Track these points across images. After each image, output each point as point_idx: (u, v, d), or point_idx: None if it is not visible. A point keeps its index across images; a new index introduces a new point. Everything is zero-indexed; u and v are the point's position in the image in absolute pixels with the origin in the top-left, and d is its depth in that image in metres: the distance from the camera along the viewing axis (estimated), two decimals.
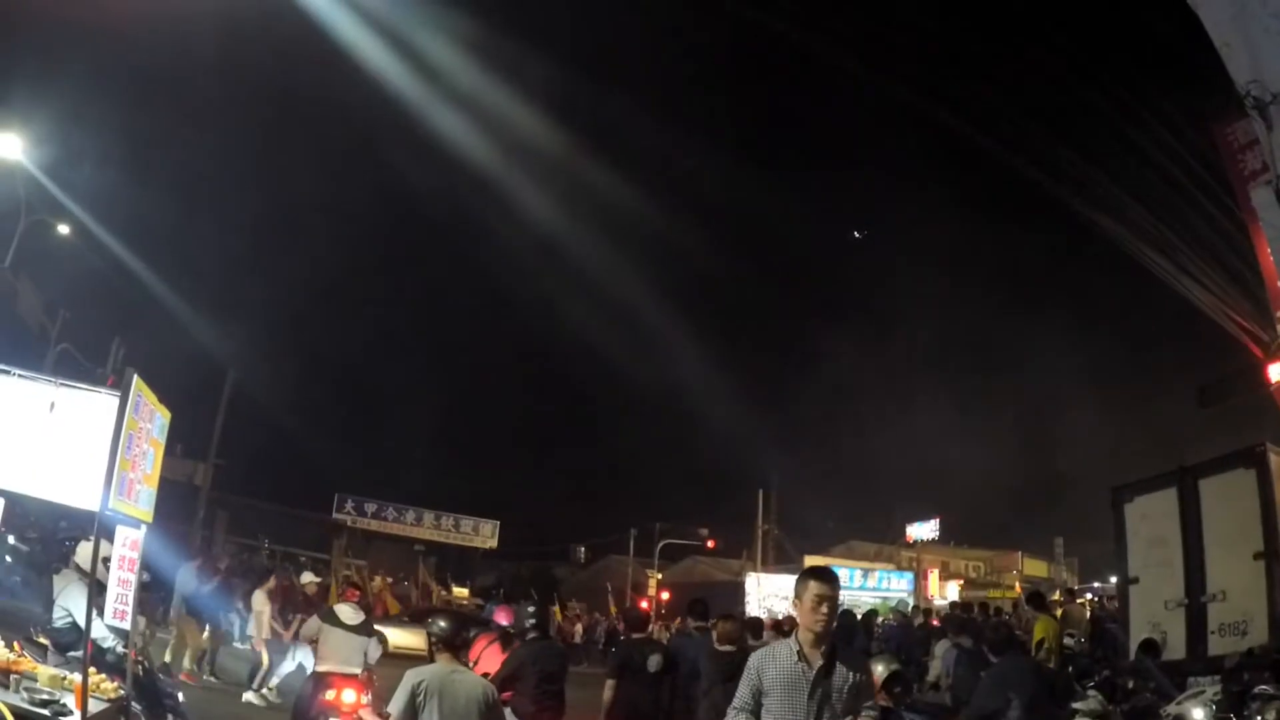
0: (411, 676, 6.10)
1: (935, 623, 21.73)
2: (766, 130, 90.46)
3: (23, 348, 26.13)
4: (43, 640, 7.91)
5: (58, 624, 7.94)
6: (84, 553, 7.95)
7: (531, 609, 9.08)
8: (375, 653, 10.76)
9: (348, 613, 10.67)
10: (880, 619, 25.78)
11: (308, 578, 18.06)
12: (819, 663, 4.90)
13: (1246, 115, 11.63)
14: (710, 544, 50.79)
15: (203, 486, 39.14)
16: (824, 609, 4.96)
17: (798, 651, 4.96)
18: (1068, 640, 12.90)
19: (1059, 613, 18.65)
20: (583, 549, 56.92)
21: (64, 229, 30.21)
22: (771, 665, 4.98)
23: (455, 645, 6.49)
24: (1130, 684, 10.49)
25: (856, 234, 57.53)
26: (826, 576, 5.15)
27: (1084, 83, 21.78)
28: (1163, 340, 38.21)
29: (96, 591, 6.87)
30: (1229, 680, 8.94)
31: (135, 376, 6.78)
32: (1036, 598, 16.86)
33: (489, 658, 9.58)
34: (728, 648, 9.46)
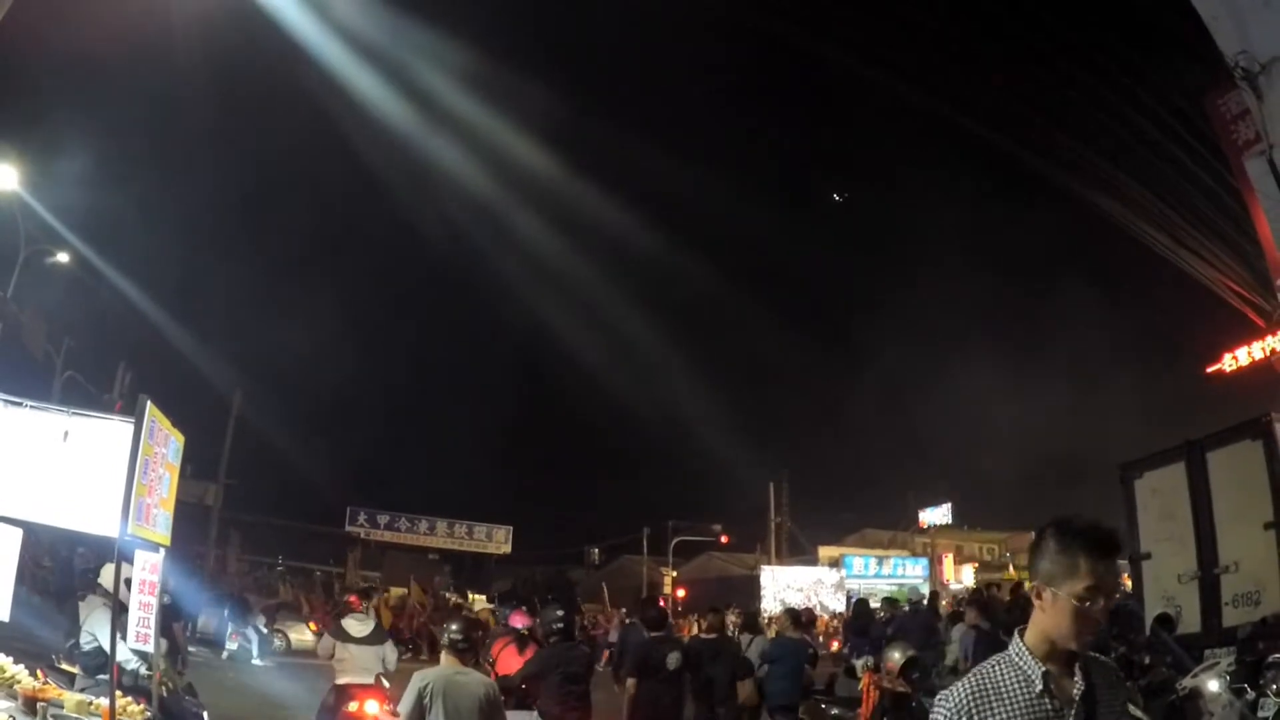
0: (418, 679, 6.43)
1: (949, 606, 21.79)
2: (761, 140, 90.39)
3: (28, 376, 26.24)
4: (66, 666, 7.99)
5: (85, 648, 8.01)
6: (107, 576, 8.02)
7: (560, 613, 9.18)
8: (392, 657, 10.82)
9: (355, 626, 10.73)
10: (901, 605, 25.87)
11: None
12: (1076, 691, 2.78)
13: (1237, 86, 11.65)
14: (724, 539, 50.89)
15: (214, 506, 39.23)
16: (1098, 606, 2.74)
17: (1043, 676, 2.78)
18: None
19: None
20: (596, 550, 56.97)
21: (64, 257, 30.33)
22: (997, 707, 2.77)
23: (460, 648, 6.79)
24: (1146, 659, 10.53)
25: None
26: (1107, 547, 2.81)
27: (1080, 64, 21.83)
28: (1170, 314, 38.25)
29: (118, 616, 6.94)
30: (1243, 650, 8.98)
31: (149, 402, 6.84)
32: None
33: (506, 660, 9.71)
34: (710, 635, 11.44)
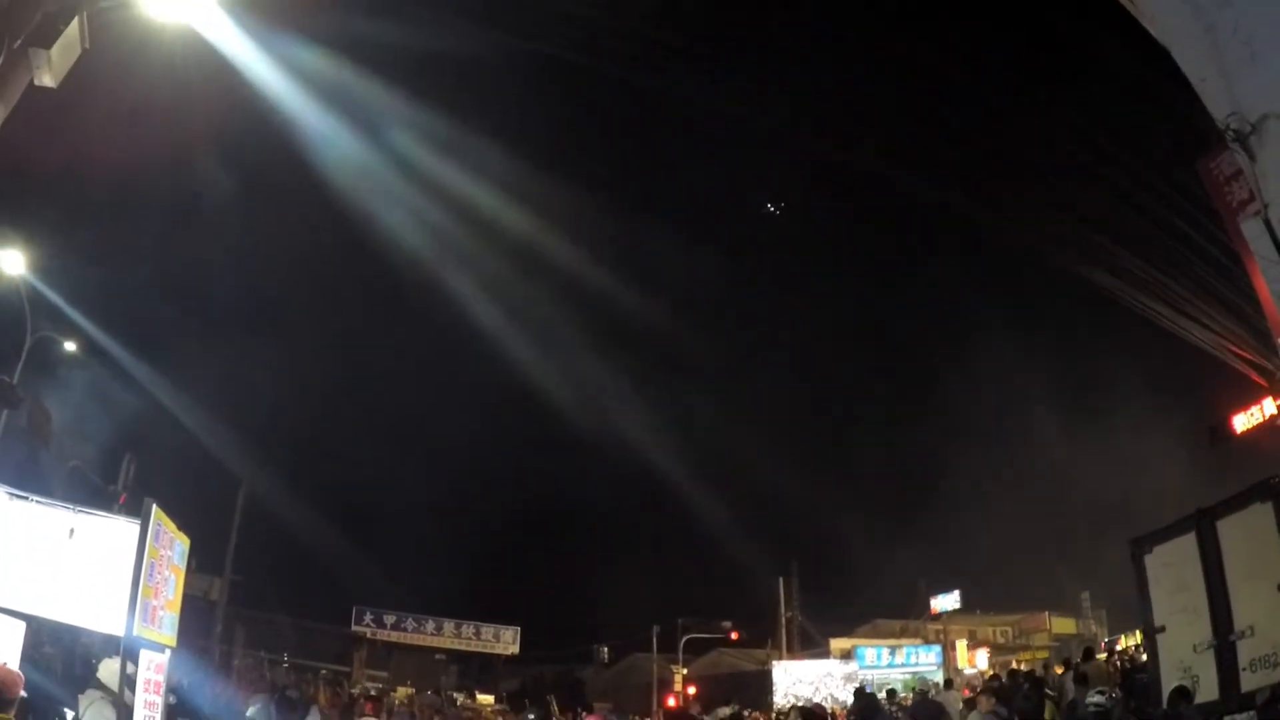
0: None
1: (966, 693, 21.49)
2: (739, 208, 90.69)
3: (32, 465, 26.10)
4: None
5: None
6: (106, 671, 7.95)
7: (531, 717, 9.04)
8: None
9: None
10: (901, 696, 25.64)
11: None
12: None
13: (1229, 148, 11.75)
14: (734, 635, 50.33)
15: (219, 602, 38.80)
16: None
17: None
18: (1098, 698, 12.73)
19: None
20: (606, 649, 56.18)
21: (70, 345, 30.34)
22: None
23: None
24: None
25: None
26: None
27: (1075, 139, 22.09)
28: (1171, 382, 38.22)
29: (125, 716, 6.88)
30: (1264, 715, 8.86)
31: (154, 506, 6.86)
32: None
33: None
34: None
